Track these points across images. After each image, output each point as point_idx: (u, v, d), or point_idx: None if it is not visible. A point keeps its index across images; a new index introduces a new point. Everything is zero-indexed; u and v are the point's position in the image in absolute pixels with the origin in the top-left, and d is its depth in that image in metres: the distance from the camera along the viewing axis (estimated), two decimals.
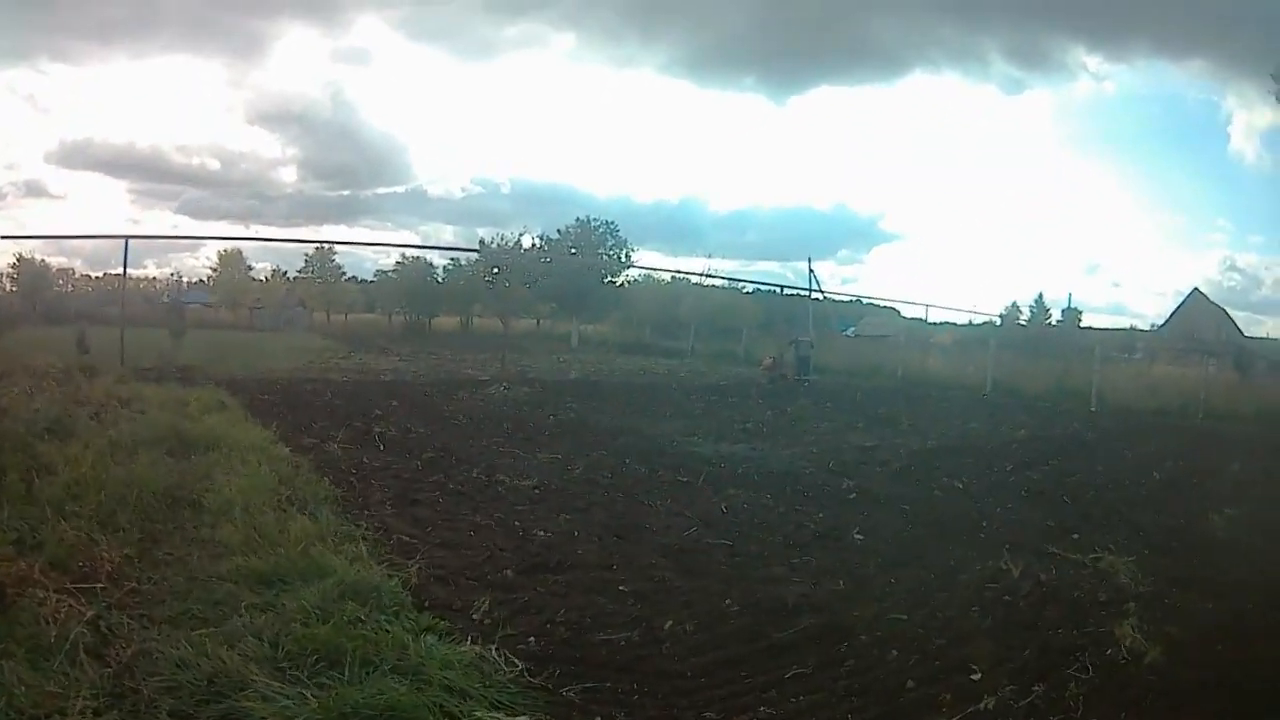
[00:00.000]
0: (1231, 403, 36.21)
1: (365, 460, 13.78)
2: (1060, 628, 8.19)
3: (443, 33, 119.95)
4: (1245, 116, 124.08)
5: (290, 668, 5.91)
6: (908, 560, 10.20)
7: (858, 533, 11.39)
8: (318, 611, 6.67)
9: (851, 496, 13.91)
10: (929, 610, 8.43)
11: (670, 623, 7.59)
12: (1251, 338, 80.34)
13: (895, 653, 7.36)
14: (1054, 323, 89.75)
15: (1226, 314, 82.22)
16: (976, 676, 7.12)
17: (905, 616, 8.20)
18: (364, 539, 8.88)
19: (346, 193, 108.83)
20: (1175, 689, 7.06)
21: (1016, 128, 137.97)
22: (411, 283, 70.29)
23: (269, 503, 9.61)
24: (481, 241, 73.69)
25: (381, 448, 15.03)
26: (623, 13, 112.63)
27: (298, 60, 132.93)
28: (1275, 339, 78.59)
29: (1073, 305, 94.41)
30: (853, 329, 79.30)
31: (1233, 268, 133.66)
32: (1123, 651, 7.59)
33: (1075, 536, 11.91)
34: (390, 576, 7.76)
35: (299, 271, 74.42)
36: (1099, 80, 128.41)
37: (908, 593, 8.94)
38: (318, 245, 73.78)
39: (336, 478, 11.94)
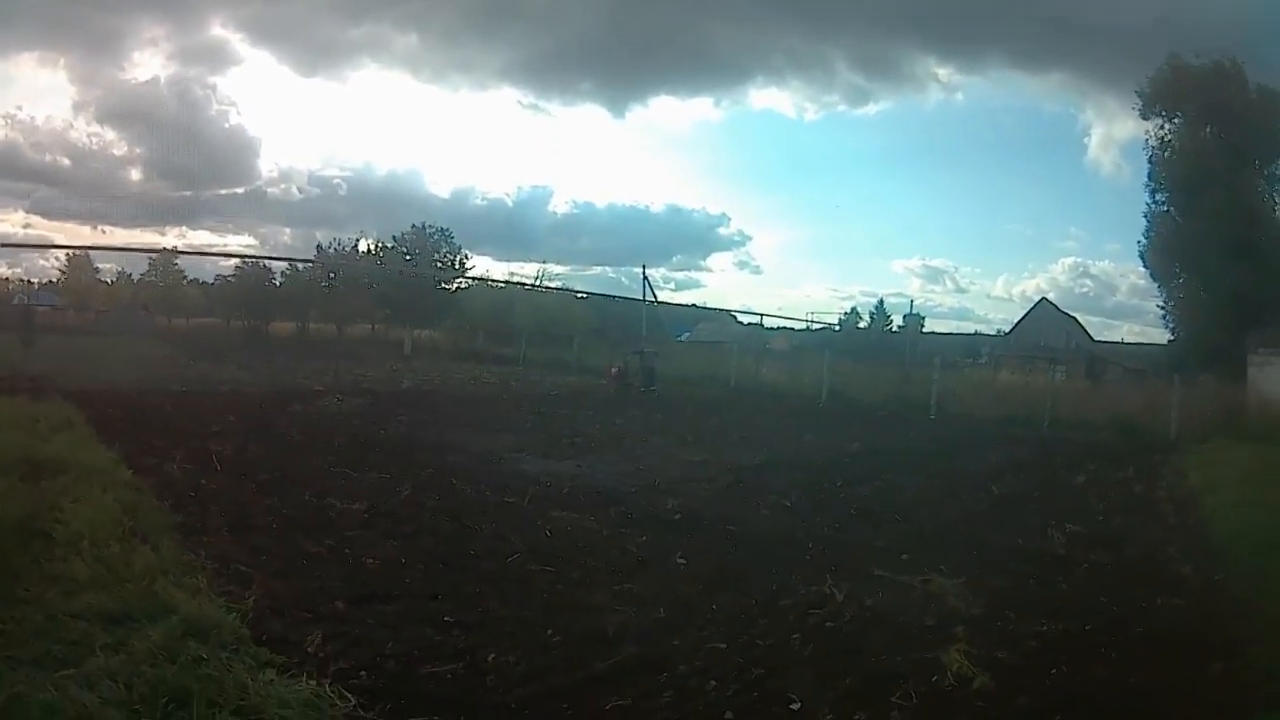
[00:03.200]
0: (1081, 410, 37.09)
1: (203, 483, 13.77)
2: (884, 654, 8.35)
3: (288, 33, 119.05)
4: (1104, 129, 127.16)
5: (144, 711, 6.01)
6: (730, 585, 10.38)
7: (680, 557, 11.58)
8: (164, 652, 6.74)
9: (676, 518, 14.17)
10: (749, 638, 8.62)
11: (494, 654, 7.75)
12: (1104, 342, 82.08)
13: (714, 683, 7.54)
14: (895, 329, 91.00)
15: (1077, 321, 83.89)
16: (796, 706, 7.31)
17: (725, 645, 8.38)
18: (204, 569, 8.94)
19: (189, 193, 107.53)
20: (1004, 715, 7.32)
21: (861, 137, 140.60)
22: (249, 289, 70.87)
23: (114, 534, 9.62)
24: (319, 247, 75.35)
25: (219, 468, 15.00)
26: (464, 15, 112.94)
27: (147, 57, 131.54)
28: (1129, 343, 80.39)
29: (915, 311, 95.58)
30: (687, 334, 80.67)
31: (1085, 274, 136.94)
32: (949, 678, 7.77)
33: (905, 557, 12.10)
34: (229, 610, 7.83)
35: (143, 275, 74.11)
36: (950, 91, 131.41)
37: (729, 620, 9.11)
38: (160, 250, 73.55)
39: (176, 503, 11.95)
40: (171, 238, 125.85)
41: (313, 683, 6.73)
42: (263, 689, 6.48)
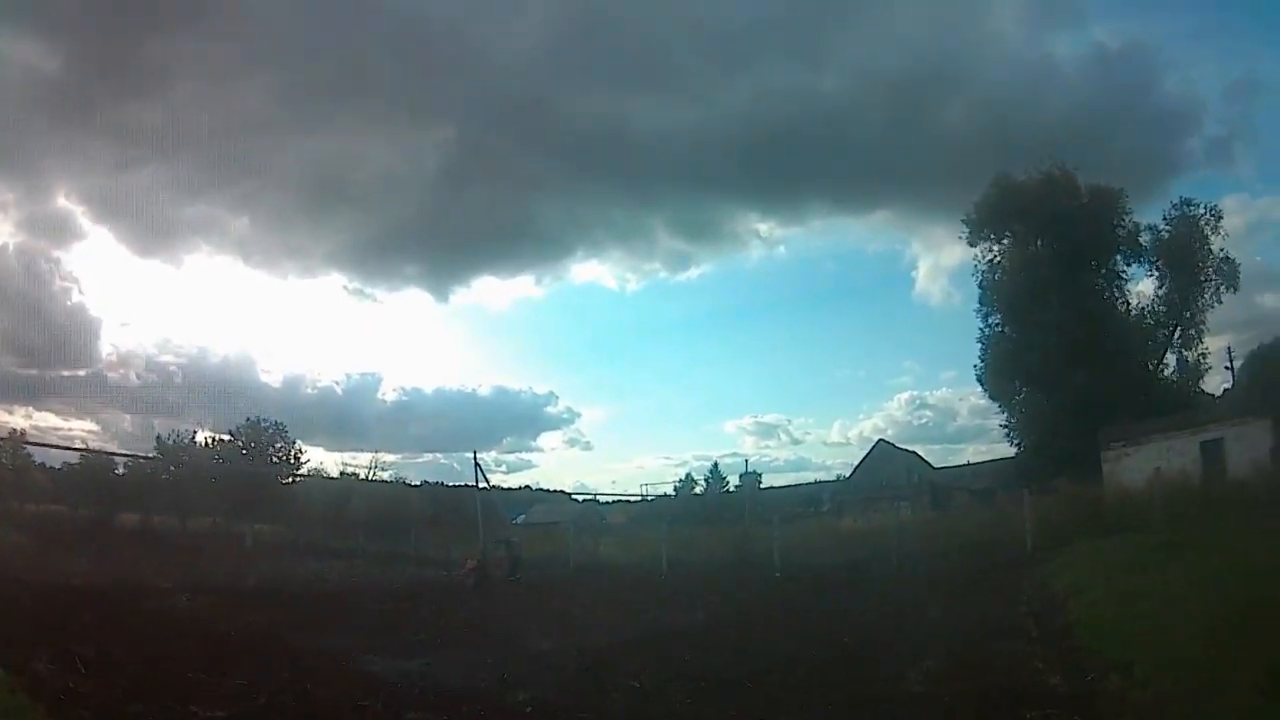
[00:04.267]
0: (930, 541, 39.30)
1: (71, 685, 13.52)
2: None
3: (127, 209, 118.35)
4: (932, 259, 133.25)
5: None
6: None
7: None
8: None
9: (528, 710, 14.26)
10: None
11: None
12: (949, 467, 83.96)
13: None
14: (732, 489, 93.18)
15: (917, 454, 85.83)
16: None
17: None
18: None
19: (35, 372, 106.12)
20: None
21: (685, 301, 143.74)
22: (94, 478, 70.21)
23: None
24: (158, 438, 77.25)
25: (84, 671, 14.70)
26: (294, 199, 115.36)
27: None
28: (976, 463, 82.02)
29: (750, 470, 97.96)
30: (523, 517, 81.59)
31: (923, 405, 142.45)
32: None
33: None
34: None
35: None
36: (771, 245, 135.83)
37: None
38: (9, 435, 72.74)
39: (49, 706, 11.85)
40: (19, 417, 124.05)
41: None
42: None
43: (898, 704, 13.26)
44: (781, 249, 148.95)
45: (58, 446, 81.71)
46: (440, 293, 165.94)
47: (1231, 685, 10.07)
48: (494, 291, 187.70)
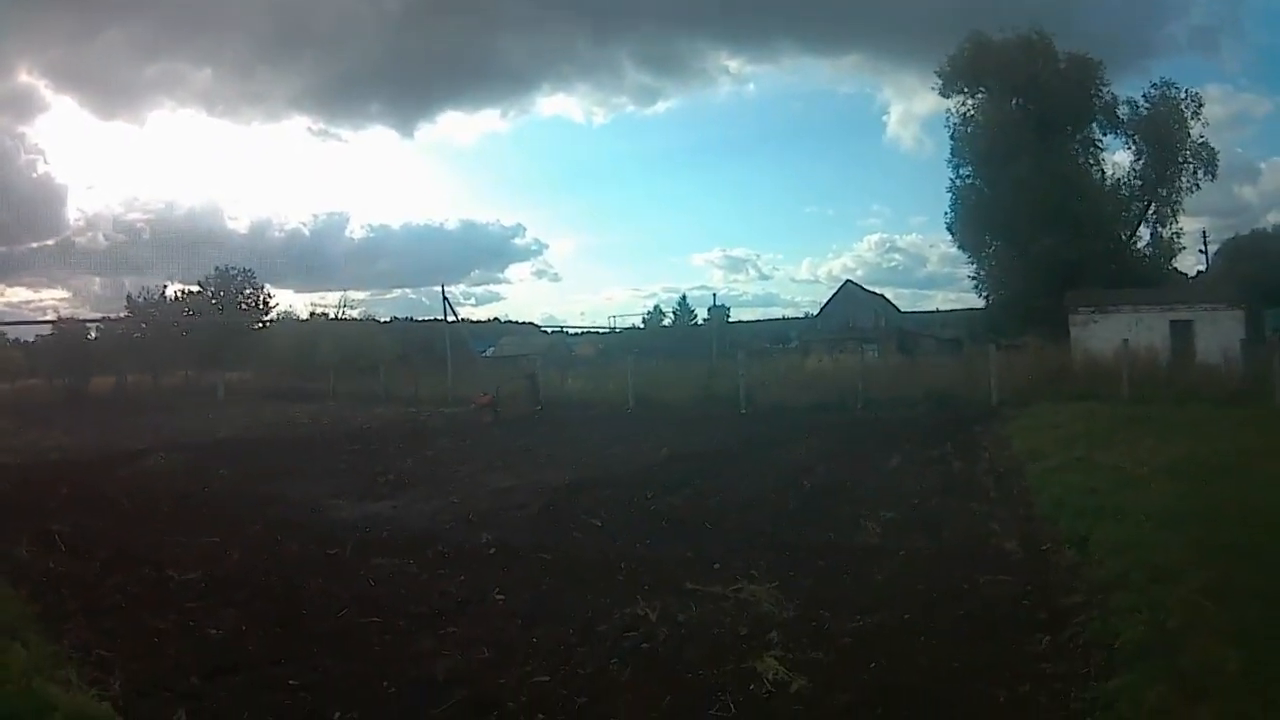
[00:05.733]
0: (896, 387, 38.60)
1: (51, 565, 13.92)
2: (700, 669, 8.89)
3: (89, 75, 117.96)
4: (903, 105, 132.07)
5: None
6: (548, 617, 10.88)
7: (498, 593, 11.99)
8: None
9: (491, 552, 14.50)
10: (571, 668, 9.13)
11: (338, 713, 8.19)
12: (918, 312, 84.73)
13: (542, 716, 8.02)
14: (700, 323, 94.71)
15: (884, 298, 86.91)
16: None
17: (548, 678, 8.88)
18: (70, 660, 9.24)
19: (4, 249, 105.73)
20: (824, 715, 7.80)
21: (653, 136, 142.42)
22: (68, 347, 70.63)
23: None
24: (129, 297, 76.83)
25: (62, 548, 15.08)
26: (254, 46, 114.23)
27: None
28: (945, 310, 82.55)
29: (719, 303, 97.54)
30: (491, 349, 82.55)
31: (893, 249, 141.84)
32: (766, 685, 8.31)
33: (716, 566, 12.69)
34: (101, 698, 8.20)
35: None
36: (741, 83, 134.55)
37: (549, 652, 9.60)
38: None
39: (32, 591, 12.09)
40: None
41: None
42: None
43: (853, 554, 13.40)
44: (751, 86, 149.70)
45: (27, 322, 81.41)
46: (405, 129, 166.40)
47: (1182, 579, 10.19)
48: (460, 126, 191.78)
